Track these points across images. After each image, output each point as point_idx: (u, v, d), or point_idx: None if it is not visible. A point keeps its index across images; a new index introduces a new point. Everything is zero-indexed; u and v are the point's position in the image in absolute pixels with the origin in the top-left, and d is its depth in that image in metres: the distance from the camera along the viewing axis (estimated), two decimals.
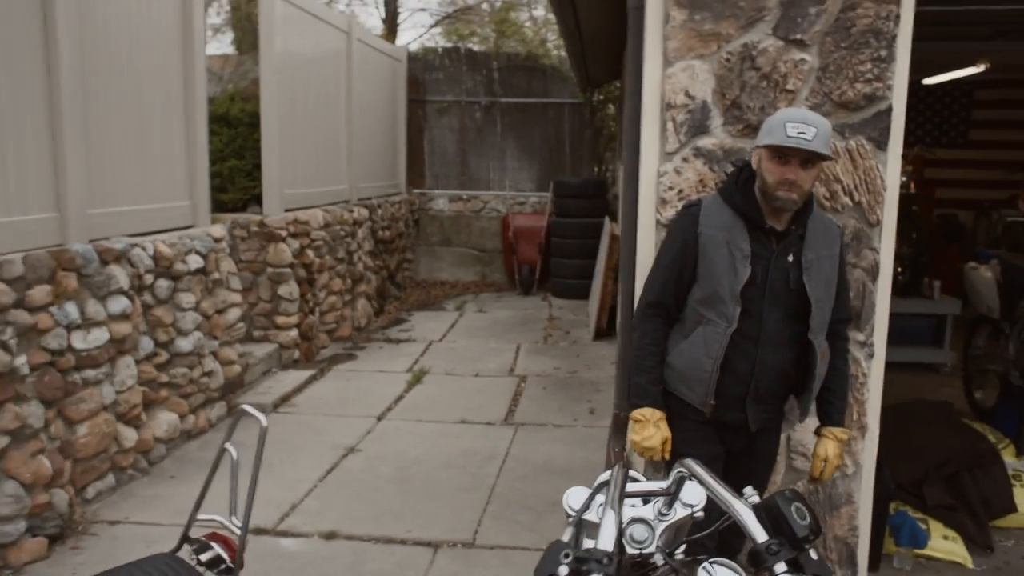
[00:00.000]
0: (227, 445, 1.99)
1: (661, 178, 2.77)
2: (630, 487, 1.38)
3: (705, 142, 2.73)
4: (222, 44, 12.01)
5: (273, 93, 6.24)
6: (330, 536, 3.70)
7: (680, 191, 2.76)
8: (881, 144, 2.71)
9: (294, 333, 6.44)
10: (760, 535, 1.24)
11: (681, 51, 2.70)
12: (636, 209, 2.84)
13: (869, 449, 2.88)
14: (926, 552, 3.40)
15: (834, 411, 2.45)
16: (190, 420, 4.80)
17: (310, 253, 6.66)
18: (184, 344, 4.71)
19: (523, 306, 9.43)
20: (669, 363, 2.43)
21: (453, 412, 5.48)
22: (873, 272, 2.77)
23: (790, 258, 2.30)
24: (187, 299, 4.73)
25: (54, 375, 3.66)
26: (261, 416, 1.95)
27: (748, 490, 1.28)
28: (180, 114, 5.04)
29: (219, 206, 6.56)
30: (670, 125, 2.74)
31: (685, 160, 2.75)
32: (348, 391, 5.95)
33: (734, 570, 1.27)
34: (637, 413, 2.40)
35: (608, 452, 3.01)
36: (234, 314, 5.37)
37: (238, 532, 1.94)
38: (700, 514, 1.42)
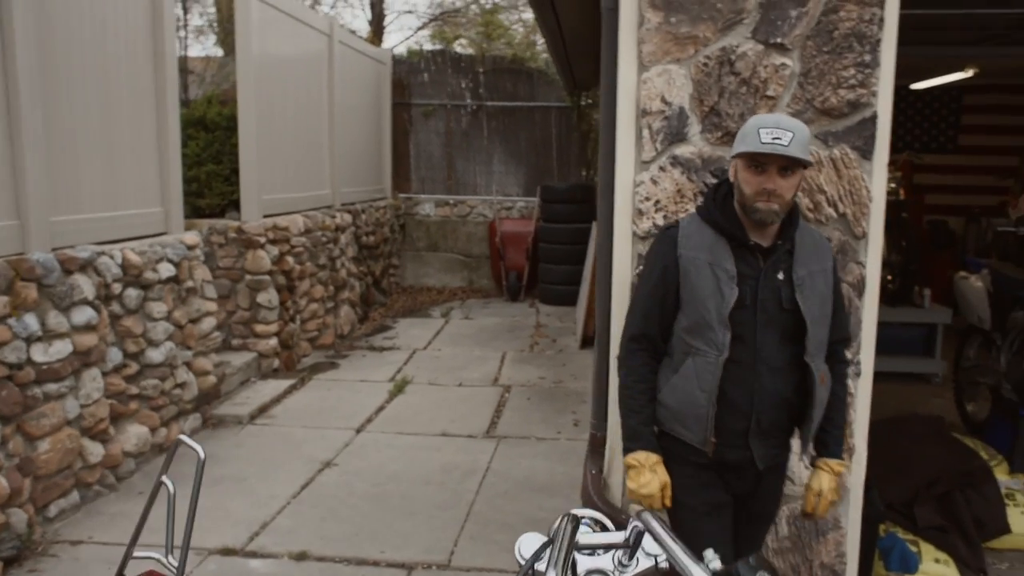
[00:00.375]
0: (164, 478, 1.86)
1: (637, 188, 2.66)
2: (586, 539, 1.26)
3: (683, 150, 2.62)
4: (205, 46, 11.87)
5: (251, 96, 6.11)
6: (300, 557, 3.57)
7: (657, 201, 2.64)
8: (866, 153, 2.60)
9: (274, 342, 6.30)
10: None
11: (657, 55, 2.59)
12: (612, 220, 2.73)
13: (856, 472, 2.76)
14: None
15: (831, 440, 2.24)
16: (162, 433, 4.67)
17: (290, 260, 6.53)
18: (155, 355, 4.57)
19: (510, 313, 9.31)
20: (661, 401, 2.20)
21: (434, 424, 5.36)
22: (859, 287, 2.66)
23: (780, 276, 2.11)
24: (158, 308, 4.59)
25: (12, 390, 3.53)
26: (198, 447, 1.83)
27: (709, 553, 1.16)
28: (151, 118, 4.90)
29: (196, 212, 6.43)
30: (646, 132, 2.63)
31: (662, 169, 2.63)
32: (328, 401, 5.82)
33: None
34: (631, 458, 2.17)
35: (585, 473, 2.89)
36: (209, 323, 5.24)
37: (173, 571, 1.81)
38: (664, 564, 1.30)
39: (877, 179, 2.63)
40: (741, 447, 2.16)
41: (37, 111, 3.82)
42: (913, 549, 3.33)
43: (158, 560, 1.82)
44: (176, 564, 1.77)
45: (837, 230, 2.65)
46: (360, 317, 8.50)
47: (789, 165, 2.01)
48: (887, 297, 6.24)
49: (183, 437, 1.85)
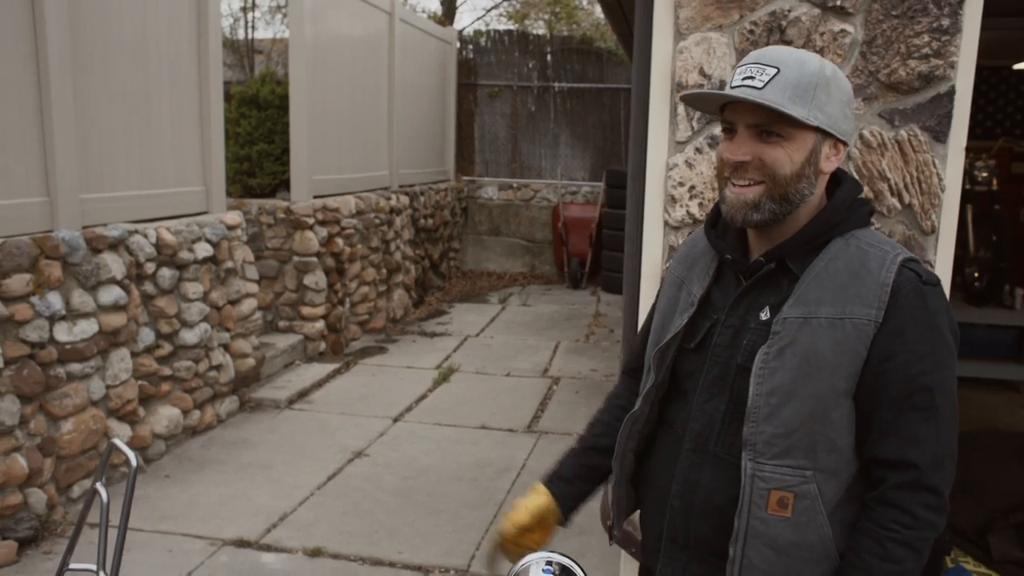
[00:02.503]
0: (98, 485, 1.69)
1: (670, 172, 2.36)
2: None
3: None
4: (275, 27, 11.90)
5: (303, 75, 6.00)
6: (315, 553, 3.42)
7: (692, 187, 2.34)
8: (939, 135, 2.24)
9: (320, 324, 6.21)
10: None
11: (696, 21, 2.28)
12: (642, 207, 2.44)
13: None
14: None
15: None
16: (195, 415, 4.60)
17: (340, 241, 6.41)
18: (189, 336, 4.49)
19: (570, 300, 9.04)
20: None
21: (475, 416, 5.16)
22: None
23: (763, 315, 1.37)
24: (194, 289, 4.51)
25: (33, 369, 3.47)
26: (130, 453, 1.64)
27: None
28: (193, 94, 4.82)
29: (248, 191, 6.38)
30: (681, 110, 2.32)
31: (698, 151, 2.33)
32: (370, 388, 5.69)
33: None
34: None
35: (604, 487, 2.63)
36: (249, 305, 5.15)
37: None
38: None
39: (952, 165, 2.26)
40: (661, 558, 1.48)
41: (67, 85, 3.74)
42: None
43: (94, 573, 1.66)
44: None
45: (902, 223, 2.30)
46: (415, 301, 8.37)
47: (768, 122, 1.30)
48: (973, 297, 5.72)
49: (116, 441, 1.67)
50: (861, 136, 2.24)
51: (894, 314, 1.28)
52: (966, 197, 5.73)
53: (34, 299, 3.47)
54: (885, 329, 1.28)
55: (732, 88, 1.33)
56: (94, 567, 1.66)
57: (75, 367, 3.68)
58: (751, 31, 2.27)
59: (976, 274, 5.73)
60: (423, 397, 5.52)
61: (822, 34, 2.23)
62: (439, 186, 9.37)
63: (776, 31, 2.25)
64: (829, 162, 1.36)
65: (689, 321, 1.46)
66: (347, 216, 6.55)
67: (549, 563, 1.19)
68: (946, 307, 1.34)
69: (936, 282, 1.34)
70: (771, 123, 1.30)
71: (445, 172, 10.04)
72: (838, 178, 1.44)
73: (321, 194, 6.36)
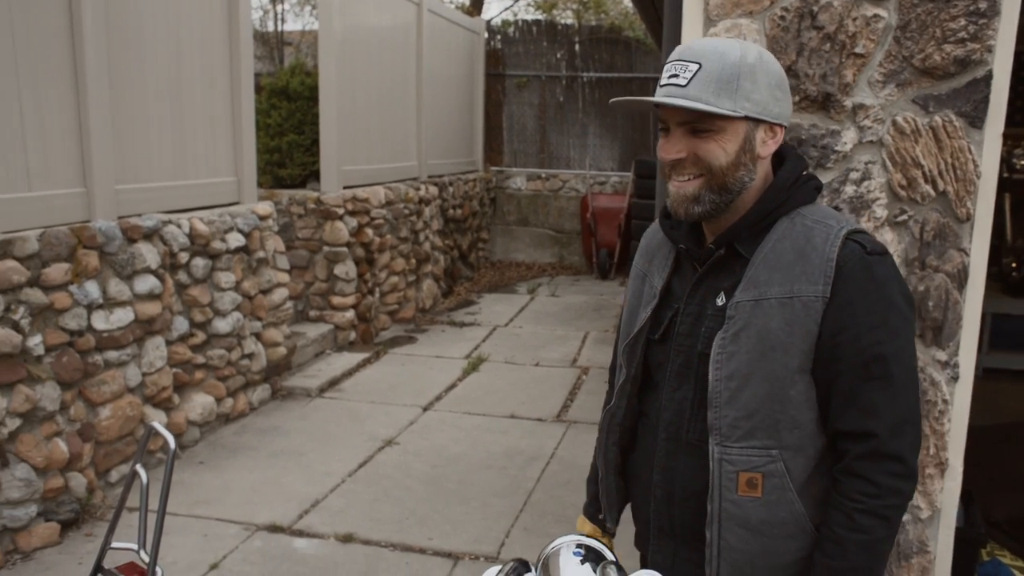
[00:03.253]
0: (137, 466, 1.73)
1: None
2: None
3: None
4: (304, 20, 11.96)
5: (332, 66, 6.03)
6: (347, 539, 3.47)
7: None
8: (975, 121, 2.20)
9: (350, 314, 6.27)
10: None
11: (726, 7, 2.26)
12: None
13: (950, 489, 2.39)
14: None
15: None
16: (228, 403, 4.68)
17: (369, 232, 6.46)
18: (222, 325, 4.56)
19: (599, 291, 9.02)
20: None
21: (504, 405, 5.18)
22: (960, 278, 2.27)
23: (720, 300, 1.39)
24: (226, 278, 4.58)
25: (73, 356, 3.55)
26: (169, 436, 1.68)
27: None
28: (224, 86, 4.87)
29: (278, 182, 6.45)
30: None
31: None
32: (400, 377, 5.74)
33: None
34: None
35: None
36: (280, 294, 5.21)
37: (146, 565, 1.68)
38: None
39: (988, 152, 2.23)
40: (651, 546, 1.53)
41: (103, 79, 3.81)
42: None
43: (135, 552, 1.70)
44: (148, 559, 1.63)
45: (936, 211, 2.27)
46: (444, 291, 8.41)
47: (697, 119, 1.31)
48: (1010, 287, 5.61)
49: (154, 424, 1.71)
50: (894, 123, 2.21)
51: (841, 288, 1.30)
52: (1004, 185, 5.62)
53: (72, 288, 3.55)
54: (833, 303, 1.30)
55: (660, 87, 1.36)
56: (135, 546, 1.71)
57: (112, 354, 3.76)
58: (782, 17, 2.25)
59: (1013, 264, 5.63)
60: (452, 386, 5.55)
61: (854, 19, 2.21)
62: (468, 176, 9.39)
63: (808, 16, 2.23)
64: (766, 146, 1.38)
65: (652, 313, 1.49)
66: (376, 206, 6.59)
67: (579, 546, 1.20)
68: (895, 275, 1.36)
69: (882, 251, 1.34)
70: (700, 119, 1.32)
71: (474, 162, 10.05)
72: (783, 156, 1.46)
73: (351, 184, 6.41)
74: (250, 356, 4.87)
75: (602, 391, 5.48)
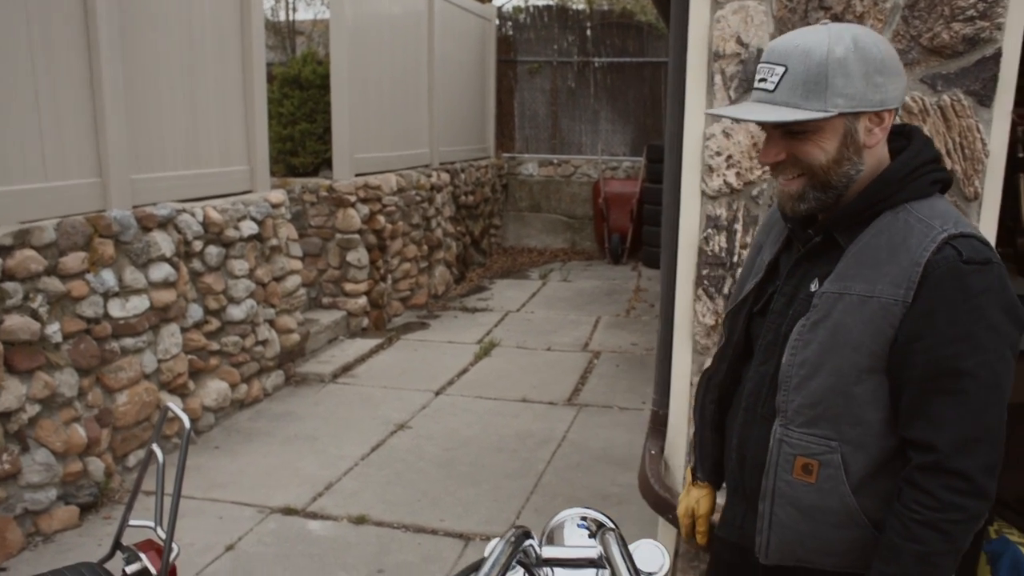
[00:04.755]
0: (153, 446, 1.77)
1: (707, 141, 2.36)
2: (550, 552, 1.06)
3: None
4: (316, 9, 11.96)
5: (343, 54, 6.05)
6: (360, 521, 3.51)
7: (729, 156, 2.34)
8: (984, 99, 2.19)
9: (363, 300, 6.31)
10: None
11: None
12: (679, 178, 2.44)
13: None
14: None
15: None
16: (242, 389, 4.73)
17: (381, 219, 6.49)
18: (236, 312, 4.61)
19: (611, 276, 9.03)
20: None
21: (516, 389, 5.21)
22: None
23: (813, 286, 1.39)
24: (240, 266, 4.62)
25: (90, 343, 3.61)
26: (184, 416, 1.72)
27: None
28: (237, 75, 4.90)
29: (291, 170, 6.48)
30: (718, 79, 2.31)
31: (735, 120, 2.32)
32: (412, 362, 5.78)
33: None
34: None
35: (644, 453, 2.66)
36: (293, 281, 5.26)
37: (162, 543, 1.72)
38: None
39: (997, 130, 2.22)
40: (728, 504, 1.62)
41: (118, 70, 3.84)
42: None
43: (152, 529, 1.75)
44: (164, 536, 1.67)
45: None
46: (456, 277, 8.44)
47: (791, 122, 1.30)
48: (1021, 266, 5.57)
49: (170, 404, 1.75)
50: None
51: (924, 294, 1.26)
52: (1019, 165, 5.57)
53: (89, 276, 3.60)
54: (914, 310, 1.27)
55: (753, 89, 1.36)
56: (152, 523, 1.75)
57: (128, 341, 3.81)
58: None
59: None
60: (464, 371, 5.59)
61: (862, 0, 2.20)
62: (479, 163, 9.40)
63: None
64: (872, 135, 1.35)
65: (757, 285, 1.53)
66: (388, 193, 6.62)
67: (584, 518, 1.23)
68: (997, 287, 1.27)
69: (983, 260, 1.27)
70: (789, 123, 1.30)
71: (485, 149, 10.05)
72: (909, 138, 1.42)
73: (363, 172, 6.44)
74: (264, 343, 4.92)
75: (613, 375, 5.52)
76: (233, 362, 4.64)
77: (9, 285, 3.21)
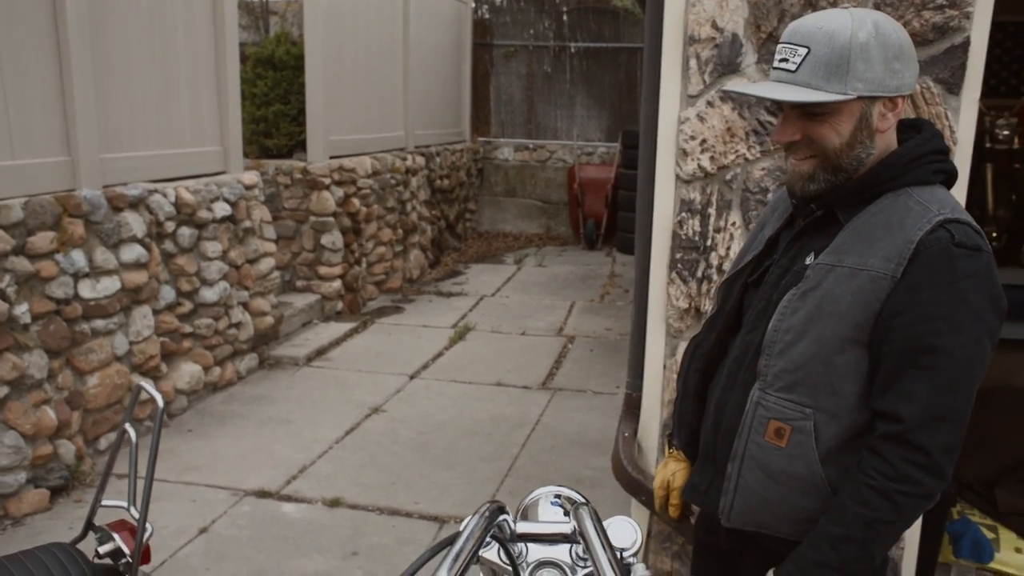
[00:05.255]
0: (126, 425, 1.77)
1: (682, 126, 2.37)
2: (524, 527, 1.07)
3: (734, 83, 2.31)
4: None
5: (318, 36, 5.99)
6: (334, 503, 3.52)
7: (703, 140, 2.36)
8: (953, 87, 2.23)
9: (337, 284, 6.28)
10: None
11: None
12: (654, 162, 2.46)
13: None
14: (992, 566, 2.95)
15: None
16: (215, 372, 4.70)
17: (356, 202, 6.45)
18: (209, 294, 4.57)
19: (585, 261, 9.06)
20: None
21: (490, 373, 5.23)
22: None
23: (808, 259, 1.42)
24: (213, 248, 4.58)
25: (59, 324, 3.56)
26: (157, 395, 1.72)
27: (639, 569, 0.96)
28: (209, 55, 4.83)
29: (264, 152, 6.41)
30: (693, 63, 2.33)
31: (710, 104, 2.33)
32: (387, 346, 5.77)
33: None
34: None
35: (617, 436, 2.69)
36: (267, 264, 5.22)
37: (135, 522, 1.72)
38: (632, 560, 1.09)
39: (965, 118, 2.26)
40: (697, 469, 1.63)
41: (86, 45, 3.78)
42: (990, 535, 2.99)
43: (125, 509, 1.74)
44: (138, 516, 1.67)
45: None
46: (431, 262, 8.42)
47: (809, 103, 1.33)
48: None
49: (142, 383, 1.74)
50: None
51: (912, 271, 1.29)
52: (986, 155, 5.66)
53: (58, 256, 3.55)
54: (901, 285, 1.30)
55: (772, 69, 1.38)
56: (125, 504, 1.74)
57: (99, 323, 3.77)
58: None
59: (994, 233, 5.69)
60: (439, 355, 5.59)
61: None
62: (455, 147, 9.37)
63: None
64: (885, 120, 1.38)
65: (755, 258, 1.57)
66: (363, 176, 6.58)
67: (558, 496, 1.24)
68: (984, 273, 1.30)
69: (974, 247, 1.30)
70: (812, 103, 1.33)
71: (461, 133, 10.01)
72: (919, 129, 1.46)
73: (337, 154, 6.39)
74: (237, 325, 4.88)
75: (587, 359, 5.55)
76: (206, 345, 4.60)
77: None
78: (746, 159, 2.35)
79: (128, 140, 4.18)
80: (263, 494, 3.58)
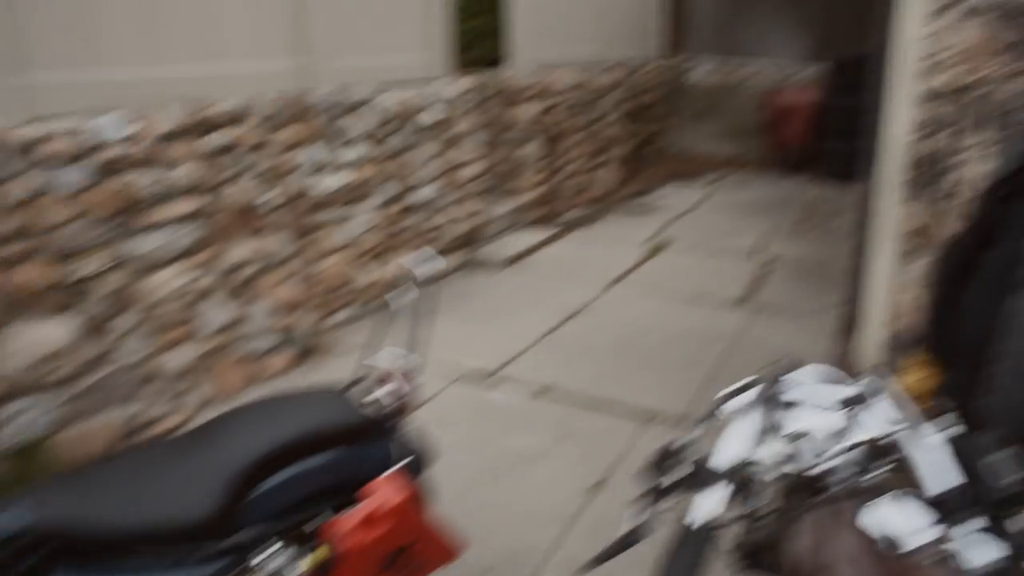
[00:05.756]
0: (414, 277, 1.96)
1: (926, 41, 2.22)
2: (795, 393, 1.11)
3: None
4: None
5: None
6: (544, 391, 3.71)
7: (950, 56, 2.19)
8: None
9: (535, 194, 6.43)
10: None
11: None
12: (886, 81, 2.32)
13: None
14: None
15: None
16: None
17: (554, 115, 6.52)
18: (421, 194, 4.84)
19: (784, 186, 8.68)
20: None
21: (687, 288, 5.21)
22: None
23: None
24: (426, 151, 4.82)
25: (298, 212, 3.92)
26: (439, 259, 1.89)
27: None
28: None
29: (466, 64, 6.58)
30: None
31: (959, 19, 2.16)
32: (582, 256, 5.88)
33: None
34: None
35: (832, 354, 2.64)
36: (472, 170, 5.43)
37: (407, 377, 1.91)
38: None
39: None
40: (950, 379, 1.60)
41: None
42: None
43: (402, 354, 1.94)
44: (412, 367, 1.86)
45: None
46: (625, 178, 8.39)
47: None
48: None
49: (426, 248, 1.91)
50: None
51: None
52: None
53: (296, 152, 3.89)
54: None
55: None
56: (395, 354, 1.94)
57: (328, 214, 4.12)
58: None
59: None
60: (634, 268, 5.63)
61: None
62: (651, 65, 9.16)
63: None
64: None
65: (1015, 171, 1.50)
66: (561, 91, 6.62)
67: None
68: None
69: None
70: None
71: (658, 51, 9.75)
72: None
73: (538, 67, 6.45)
74: (445, 226, 5.15)
75: (787, 281, 5.40)
76: (417, 242, 4.90)
77: (228, 158, 3.53)
78: (996, 77, 2.17)
79: (352, 46, 4.44)
80: (478, 375, 3.83)
